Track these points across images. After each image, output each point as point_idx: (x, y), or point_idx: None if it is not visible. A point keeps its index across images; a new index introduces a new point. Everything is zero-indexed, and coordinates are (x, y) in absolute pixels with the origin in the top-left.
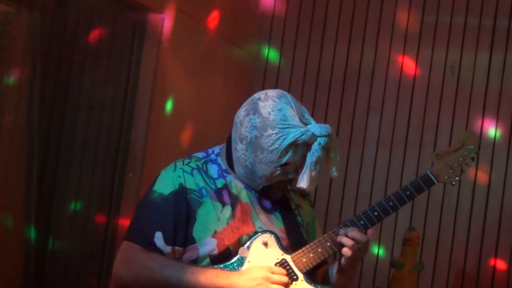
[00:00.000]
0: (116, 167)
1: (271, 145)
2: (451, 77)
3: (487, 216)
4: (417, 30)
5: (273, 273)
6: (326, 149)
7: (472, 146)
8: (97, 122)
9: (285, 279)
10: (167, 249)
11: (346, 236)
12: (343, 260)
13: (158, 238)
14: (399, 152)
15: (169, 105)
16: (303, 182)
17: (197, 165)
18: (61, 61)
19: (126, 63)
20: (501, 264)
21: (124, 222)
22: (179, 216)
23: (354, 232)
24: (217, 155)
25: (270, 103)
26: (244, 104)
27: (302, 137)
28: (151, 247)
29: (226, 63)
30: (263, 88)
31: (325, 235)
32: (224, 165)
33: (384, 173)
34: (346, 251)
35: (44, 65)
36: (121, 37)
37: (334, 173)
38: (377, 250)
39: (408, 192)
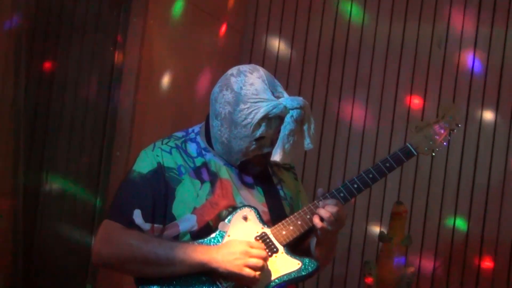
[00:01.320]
0: (104, 146)
1: (244, 120)
2: (438, 50)
3: (474, 190)
4: (404, 2)
5: (251, 247)
6: (299, 121)
7: (452, 118)
8: (84, 101)
9: (263, 253)
10: (146, 226)
11: (323, 208)
12: (318, 232)
13: (137, 216)
14: (386, 124)
15: (155, 84)
16: (276, 155)
17: (176, 144)
18: (47, 38)
19: (112, 40)
20: (488, 235)
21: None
22: (158, 194)
23: (331, 206)
24: (196, 133)
25: (241, 78)
26: (218, 80)
27: (274, 110)
28: (131, 224)
29: (213, 41)
30: None
31: (305, 207)
32: (203, 144)
33: (372, 146)
34: (317, 222)
35: (30, 41)
36: (107, 14)
37: (309, 145)
38: (365, 224)
39: (387, 164)
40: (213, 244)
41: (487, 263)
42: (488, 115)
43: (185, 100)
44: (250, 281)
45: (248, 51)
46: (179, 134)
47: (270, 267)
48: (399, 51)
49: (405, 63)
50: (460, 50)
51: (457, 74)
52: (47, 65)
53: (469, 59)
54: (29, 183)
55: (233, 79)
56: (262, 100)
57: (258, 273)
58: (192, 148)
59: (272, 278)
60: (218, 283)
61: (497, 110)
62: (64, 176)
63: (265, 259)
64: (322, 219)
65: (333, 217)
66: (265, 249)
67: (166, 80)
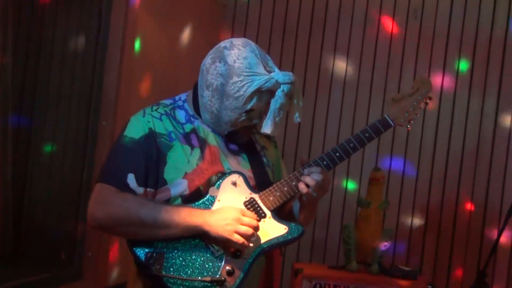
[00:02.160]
0: (90, 115)
1: (237, 92)
2: (414, 21)
3: (450, 155)
4: None
5: (244, 215)
6: (289, 95)
7: (426, 91)
8: (70, 71)
9: (254, 222)
10: (140, 190)
11: (309, 176)
12: (303, 198)
13: (131, 180)
14: (364, 95)
15: (139, 53)
16: (267, 128)
17: (165, 110)
18: (32, 11)
19: (97, 11)
20: (464, 199)
21: (98, 169)
22: (150, 159)
23: (316, 174)
24: (184, 101)
25: (235, 52)
26: (210, 52)
27: (266, 84)
28: (125, 188)
29: (195, 9)
30: (231, 36)
31: (291, 174)
32: (191, 111)
33: (350, 116)
34: (302, 188)
35: (16, 15)
36: None
37: (297, 118)
38: (345, 188)
39: (367, 134)
40: (203, 208)
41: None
42: (463, 85)
43: (169, 69)
44: (238, 247)
45: (230, 22)
46: (167, 101)
47: (258, 231)
48: (376, 24)
49: (382, 36)
50: (436, 21)
51: (432, 44)
52: (34, 37)
53: (444, 30)
54: (18, 152)
55: (226, 52)
56: (255, 74)
57: (246, 240)
58: (181, 115)
59: (261, 242)
60: (209, 246)
61: (471, 80)
62: (52, 145)
63: (255, 228)
64: (307, 186)
65: (318, 184)
66: (256, 218)
67: (150, 50)
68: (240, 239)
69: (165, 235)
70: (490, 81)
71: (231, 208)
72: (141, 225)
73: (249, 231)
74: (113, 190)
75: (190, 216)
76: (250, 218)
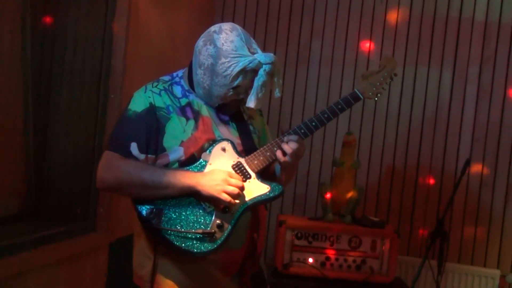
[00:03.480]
0: (100, 90)
1: (225, 71)
2: (380, 3)
3: (412, 118)
4: None
5: (231, 177)
6: (270, 74)
7: (391, 69)
8: (82, 52)
9: (240, 183)
10: (141, 156)
11: (287, 143)
12: (282, 162)
13: (134, 148)
14: (338, 70)
15: (142, 36)
16: (251, 102)
17: (164, 86)
18: None
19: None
20: (424, 158)
21: (108, 136)
22: (151, 129)
23: (293, 143)
24: (180, 77)
25: (223, 36)
26: (202, 35)
27: (250, 64)
28: (128, 155)
29: None
30: (222, 20)
31: (272, 141)
32: (186, 86)
33: (326, 88)
34: (279, 156)
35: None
36: None
37: (277, 93)
38: (321, 151)
39: (339, 106)
40: (197, 171)
41: (424, 173)
42: (424, 60)
43: (168, 49)
44: (226, 204)
45: (221, 8)
46: (166, 78)
47: (244, 191)
48: (347, 5)
49: (352, 17)
50: (399, 3)
51: (396, 24)
52: (49, 20)
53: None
54: (39, 122)
55: (216, 36)
56: (240, 55)
57: (233, 198)
58: (177, 90)
59: (246, 199)
60: (201, 204)
61: (430, 55)
62: (68, 117)
63: (241, 188)
64: (284, 154)
65: (294, 152)
66: (242, 179)
67: (152, 33)
68: (228, 198)
69: (164, 194)
70: (447, 55)
71: (220, 171)
72: (142, 186)
73: (235, 190)
74: (118, 156)
75: (185, 178)
76: (236, 179)
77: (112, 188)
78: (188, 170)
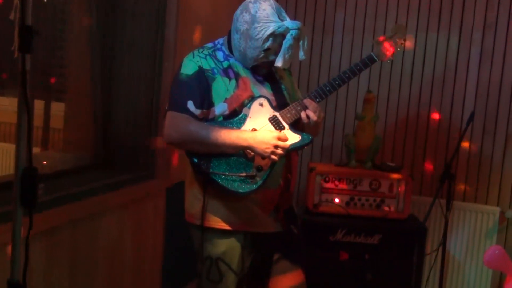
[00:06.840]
0: (156, 58)
1: (257, 35)
2: None
3: (424, 78)
4: None
5: (279, 139)
6: (296, 38)
7: (402, 34)
8: (140, 25)
9: (287, 145)
10: (197, 111)
11: (309, 110)
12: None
13: (190, 105)
14: (358, 37)
15: (190, 10)
16: (279, 62)
17: (208, 52)
18: None
19: None
20: (434, 111)
21: (163, 98)
22: (202, 88)
23: (311, 112)
24: (221, 44)
25: (257, 5)
26: (240, 6)
27: (279, 29)
28: (187, 111)
29: None
30: None
31: (299, 100)
32: (227, 51)
33: (348, 53)
34: (304, 118)
35: None
36: None
37: (302, 56)
38: (345, 107)
39: (358, 67)
40: (239, 123)
41: (434, 123)
42: (433, 27)
43: (211, 20)
44: (272, 160)
45: None
46: (209, 45)
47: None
48: None
49: None
50: None
51: None
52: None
53: None
54: (104, 87)
55: (251, 5)
56: (271, 21)
57: (279, 159)
58: (219, 55)
59: None
60: (245, 152)
61: (439, 22)
62: (129, 82)
63: (286, 151)
64: (308, 117)
65: (315, 117)
66: (277, 130)
67: (198, 9)
68: (275, 158)
69: (220, 151)
70: (453, 22)
71: (269, 135)
72: (202, 143)
73: (281, 153)
74: (179, 115)
75: (239, 140)
76: (284, 142)
77: (177, 144)
78: (232, 124)
